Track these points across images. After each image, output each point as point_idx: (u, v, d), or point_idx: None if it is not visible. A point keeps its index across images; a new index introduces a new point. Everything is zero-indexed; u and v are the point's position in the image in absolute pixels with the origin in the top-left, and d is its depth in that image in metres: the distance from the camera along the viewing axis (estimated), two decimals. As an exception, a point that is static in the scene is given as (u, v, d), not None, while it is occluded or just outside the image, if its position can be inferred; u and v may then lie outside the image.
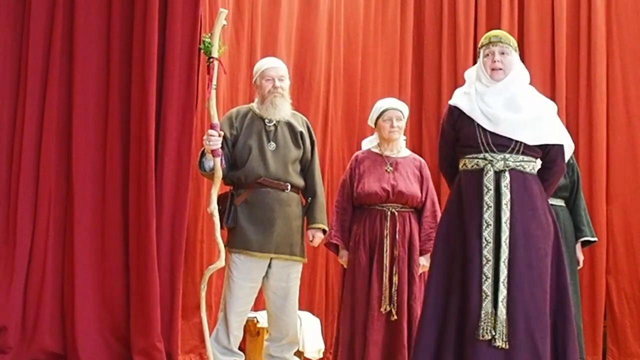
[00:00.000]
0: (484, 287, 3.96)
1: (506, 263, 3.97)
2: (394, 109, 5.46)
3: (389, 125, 5.41)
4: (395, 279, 5.20)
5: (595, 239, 5.93)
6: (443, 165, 4.50)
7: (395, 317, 5.18)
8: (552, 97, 6.97)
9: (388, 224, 5.28)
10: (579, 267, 5.80)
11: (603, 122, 7.44)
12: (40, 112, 5.29)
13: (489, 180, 4.06)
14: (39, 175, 5.24)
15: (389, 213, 5.31)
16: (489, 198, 4.05)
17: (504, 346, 3.91)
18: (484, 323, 3.92)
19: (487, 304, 3.95)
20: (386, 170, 5.40)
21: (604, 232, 7.22)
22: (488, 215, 4.03)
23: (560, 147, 4.23)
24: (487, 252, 3.99)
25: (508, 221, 4.01)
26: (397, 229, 5.28)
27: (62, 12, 5.33)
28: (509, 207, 4.03)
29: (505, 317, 3.92)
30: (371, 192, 5.33)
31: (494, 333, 3.91)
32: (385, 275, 5.20)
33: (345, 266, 5.41)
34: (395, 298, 5.19)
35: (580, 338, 5.49)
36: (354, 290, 5.27)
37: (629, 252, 7.32)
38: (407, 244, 5.31)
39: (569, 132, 4.58)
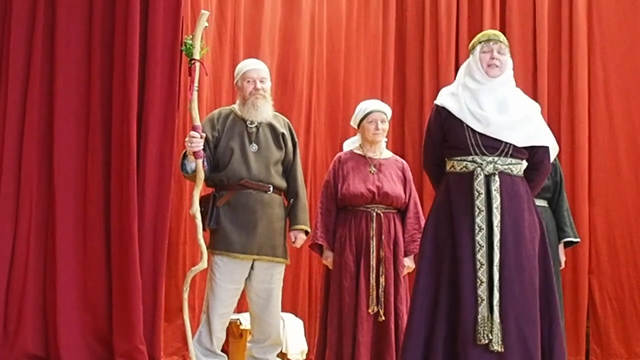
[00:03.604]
0: (479, 292, 3.92)
1: (498, 266, 3.95)
2: (379, 111, 5.46)
3: (374, 128, 5.41)
4: (382, 279, 5.21)
5: (578, 239, 5.93)
6: (429, 165, 4.46)
7: (383, 317, 5.18)
8: (534, 98, 6.97)
9: (374, 225, 5.28)
10: (561, 268, 5.81)
11: (585, 123, 7.47)
12: (22, 115, 5.27)
13: (479, 184, 4.03)
14: (20, 178, 5.22)
15: (374, 214, 5.31)
16: (480, 202, 4.02)
17: (499, 349, 3.88)
18: (481, 327, 3.88)
19: (482, 309, 3.90)
20: (370, 172, 5.41)
21: (586, 233, 7.25)
22: (480, 220, 4.00)
23: (546, 149, 4.24)
24: (481, 256, 3.95)
25: (499, 225, 3.99)
26: (383, 230, 5.29)
27: (43, 14, 5.32)
28: (499, 210, 4.01)
29: (499, 320, 3.90)
30: (357, 194, 5.33)
31: (490, 337, 3.87)
32: (372, 276, 5.21)
33: (330, 267, 5.41)
34: (382, 299, 5.20)
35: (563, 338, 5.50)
36: (341, 291, 5.26)
37: (611, 252, 7.36)
38: (393, 245, 5.31)
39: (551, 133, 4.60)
